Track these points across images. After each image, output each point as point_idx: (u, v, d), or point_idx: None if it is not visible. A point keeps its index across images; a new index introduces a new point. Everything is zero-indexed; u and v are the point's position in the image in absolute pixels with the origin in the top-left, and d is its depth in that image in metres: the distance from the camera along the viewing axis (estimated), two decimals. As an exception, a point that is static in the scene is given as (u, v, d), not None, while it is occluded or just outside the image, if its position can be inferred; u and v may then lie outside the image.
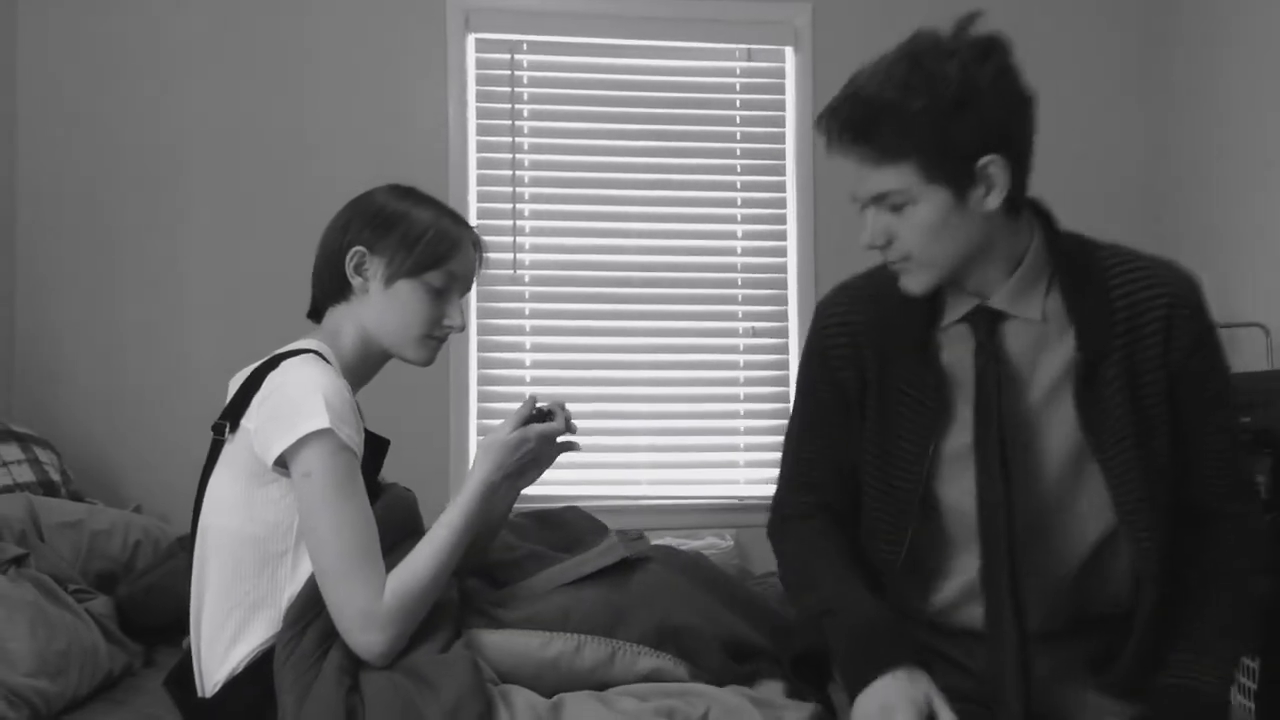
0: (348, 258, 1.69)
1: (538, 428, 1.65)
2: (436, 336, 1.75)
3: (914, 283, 1.45)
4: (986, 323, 1.46)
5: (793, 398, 1.68)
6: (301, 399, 1.53)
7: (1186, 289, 1.45)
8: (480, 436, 3.57)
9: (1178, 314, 1.42)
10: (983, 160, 1.35)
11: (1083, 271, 1.45)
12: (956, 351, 1.49)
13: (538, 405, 1.68)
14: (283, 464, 1.55)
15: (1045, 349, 1.46)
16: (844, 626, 1.44)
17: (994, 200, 1.38)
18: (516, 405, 1.68)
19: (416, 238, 1.69)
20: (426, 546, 1.58)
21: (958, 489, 1.48)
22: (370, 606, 1.50)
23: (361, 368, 1.75)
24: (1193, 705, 1.39)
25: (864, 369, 1.53)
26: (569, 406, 1.70)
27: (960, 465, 1.47)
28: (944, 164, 1.35)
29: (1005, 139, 1.37)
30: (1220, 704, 1.41)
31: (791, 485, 1.65)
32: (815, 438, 1.61)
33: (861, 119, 1.36)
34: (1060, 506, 1.47)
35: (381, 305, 1.70)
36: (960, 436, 1.47)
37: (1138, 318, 1.43)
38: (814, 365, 1.59)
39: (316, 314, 1.79)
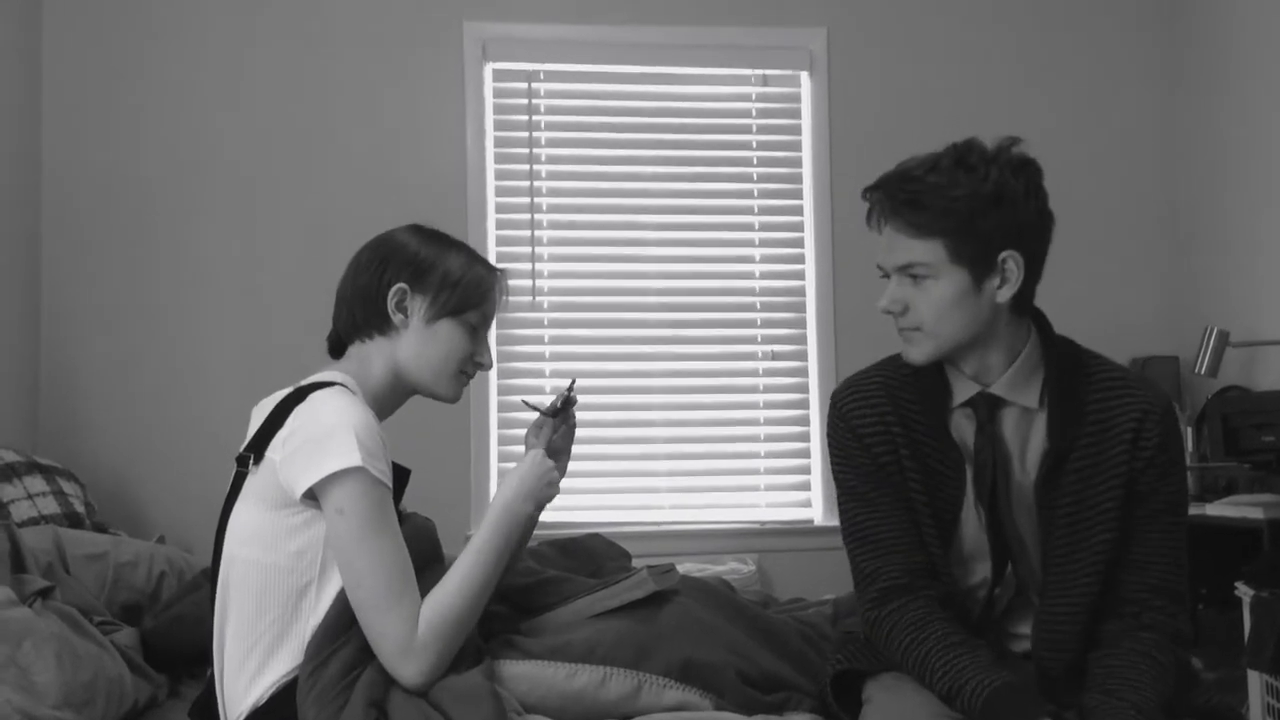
0: (390, 295, 1.72)
1: (543, 436, 1.86)
2: (467, 373, 1.80)
3: (917, 352, 1.60)
4: (987, 408, 1.60)
5: (835, 491, 1.73)
6: (332, 433, 1.56)
7: (1161, 402, 1.60)
8: (501, 464, 3.58)
9: (1149, 419, 1.57)
10: (1004, 254, 1.53)
11: (1069, 374, 1.60)
12: (962, 429, 1.63)
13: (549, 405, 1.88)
14: (311, 496, 1.57)
15: (1035, 433, 1.61)
16: (975, 701, 1.46)
17: (1005, 293, 1.55)
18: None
19: (458, 279, 1.75)
20: (455, 574, 1.60)
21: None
22: (407, 638, 1.54)
23: (388, 402, 1.78)
24: None
25: (896, 443, 1.62)
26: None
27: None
28: (970, 248, 1.52)
29: (1026, 241, 1.54)
30: None
31: (875, 556, 1.63)
32: (876, 507, 1.64)
33: (907, 194, 1.53)
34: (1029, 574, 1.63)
35: (421, 342, 1.74)
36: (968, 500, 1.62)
37: (1110, 419, 1.57)
38: (849, 446, 1.66)
39: (338, 348, 1.81)
